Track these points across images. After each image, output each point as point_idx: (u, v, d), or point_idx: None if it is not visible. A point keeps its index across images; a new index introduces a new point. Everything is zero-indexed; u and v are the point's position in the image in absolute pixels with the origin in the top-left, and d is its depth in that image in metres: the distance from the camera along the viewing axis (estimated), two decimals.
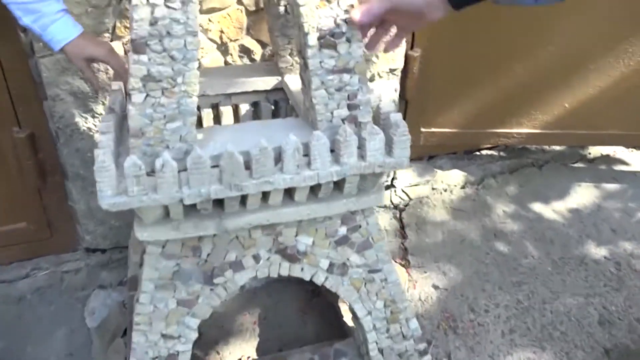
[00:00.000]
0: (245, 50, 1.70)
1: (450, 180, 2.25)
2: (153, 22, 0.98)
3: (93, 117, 1.64)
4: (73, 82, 1.57)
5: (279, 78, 1.46)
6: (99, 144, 1.04)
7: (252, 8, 1.64)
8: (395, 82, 1.96)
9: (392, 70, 1.93)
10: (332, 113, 1.12)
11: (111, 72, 1.58)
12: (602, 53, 2.01)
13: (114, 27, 1.54)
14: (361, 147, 1.11)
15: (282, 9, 1.35)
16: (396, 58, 1.90)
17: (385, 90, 1.93)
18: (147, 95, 1.02)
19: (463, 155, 2.33)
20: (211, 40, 1.65)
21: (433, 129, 2.15)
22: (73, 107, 1.61)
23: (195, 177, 1.03)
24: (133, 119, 1.02)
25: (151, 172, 1.03)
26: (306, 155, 1.10)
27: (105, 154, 0.99)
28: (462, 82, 2.06)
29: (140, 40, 0.98)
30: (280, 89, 1.47)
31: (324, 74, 1.09)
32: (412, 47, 1.96)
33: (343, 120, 1.13)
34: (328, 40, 1.07)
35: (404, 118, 2.14)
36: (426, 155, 2.29)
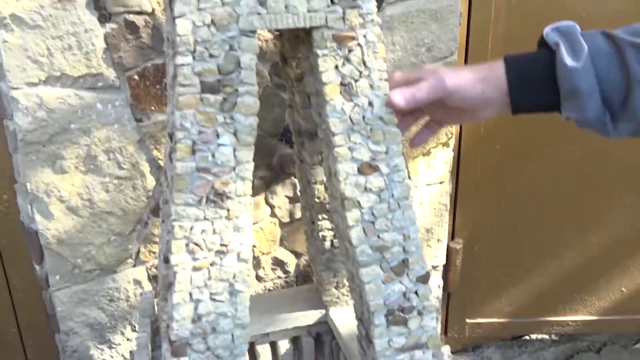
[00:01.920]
0: (278, 263, 1.56)
1: None
2: (196, 320, 0.83)
3: (110, 347, 1.46)
4: (90, 312, 1.41)
5: (323, 311, 1.29)
6: None
7: (287, 220, 1.52)
8: (437, 277, 1.81)
9: (434, 267, 1.78)
10: None
11: (132, 299, 1.43)
12: None
13: (138, 252, 1.41)
14: None
15: (327, 244, 1.22)
16: (438, 254, 1.76)
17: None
18: None
19: (512, 341, 2.12)
20: None
21: (479, 320, 1.96)
22: (88, 339, 1.43)
23: None
24: None
25: None
26: None
27: None
28: (509, 270, 1.90)
29: (181, 341, 0.82)
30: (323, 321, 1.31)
31: (392, 354, 0.92)
32: (452, 238, 1.83)
33: None
34: (397, 316, 0.91)
35: (447, 310, 1.97)
36: (471, 346, 2.08)
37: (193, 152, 0.78)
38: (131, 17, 1.22)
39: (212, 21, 0.75)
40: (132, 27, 1.23)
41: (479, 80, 0.79)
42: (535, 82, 0.77)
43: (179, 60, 0.75)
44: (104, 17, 1.20)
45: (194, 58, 0.75)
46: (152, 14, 1.23)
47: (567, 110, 0.77)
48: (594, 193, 1.80)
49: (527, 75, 0.77)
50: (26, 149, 1.23)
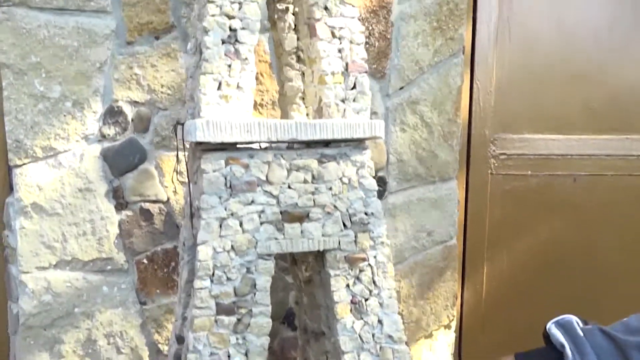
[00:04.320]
0: None
1: None
2: None
3: None
4: None
5: None
6: None
7: None
8: None
9: None
10: None
11: None
12: None
13: None
14: None
15: None
16: None
17: None
18: None
19: None
20: None
21: None
22: None
23: None
24: None
25: None
26: None
27: None
28: None
29: None
30: None
31: None
32: None
33: None
34: None
35: None
36: None
37: None
38: (147, 205, 1.28)
39: (232, 247, 0.79)
40: (146, 215, 1.28)
41: None
42: None
43: (197, 284, 0.77)
44: (121, 205, 1.26)
45: (212, 282, 0.78)
46: (167, 202, 1.29)
47: None
48: None
49: None
50: (26, 333, 1.21)
